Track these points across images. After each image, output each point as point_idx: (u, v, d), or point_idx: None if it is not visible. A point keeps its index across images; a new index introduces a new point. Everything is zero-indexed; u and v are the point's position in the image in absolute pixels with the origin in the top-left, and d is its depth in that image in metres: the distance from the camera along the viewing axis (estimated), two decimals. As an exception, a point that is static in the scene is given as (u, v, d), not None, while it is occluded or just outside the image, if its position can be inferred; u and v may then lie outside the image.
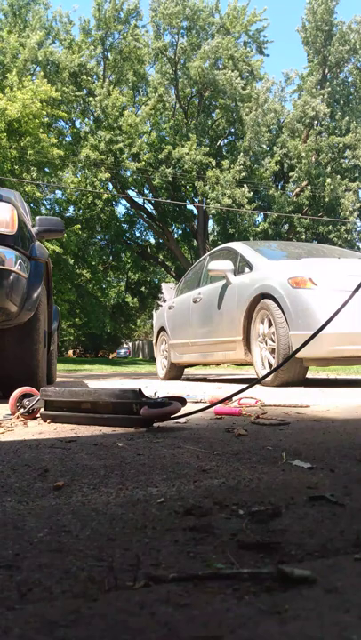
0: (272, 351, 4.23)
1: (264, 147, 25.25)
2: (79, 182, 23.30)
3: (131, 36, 24.02)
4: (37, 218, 4.16)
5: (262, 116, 23.31)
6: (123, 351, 43.80)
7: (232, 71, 22.95)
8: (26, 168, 20.03)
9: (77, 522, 0.78)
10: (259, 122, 23.05)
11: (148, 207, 27.20)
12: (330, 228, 25.06)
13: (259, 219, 26.07)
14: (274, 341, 4.14)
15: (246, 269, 4.87)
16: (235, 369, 11.23)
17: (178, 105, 25.39)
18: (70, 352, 41.44)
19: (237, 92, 22.87)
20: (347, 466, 1.13)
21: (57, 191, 23.36)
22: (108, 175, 22.81)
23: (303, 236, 26.13)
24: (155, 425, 1.77)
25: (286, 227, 26.30)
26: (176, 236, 27.91)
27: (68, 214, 24.10)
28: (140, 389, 1.75)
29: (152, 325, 13.66)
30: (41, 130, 19.53)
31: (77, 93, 23.64)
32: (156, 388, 4.14)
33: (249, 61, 24.61)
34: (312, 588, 0.54)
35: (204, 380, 6.51)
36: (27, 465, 1.19)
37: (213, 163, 22.95)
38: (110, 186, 25.24)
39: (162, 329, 7.03)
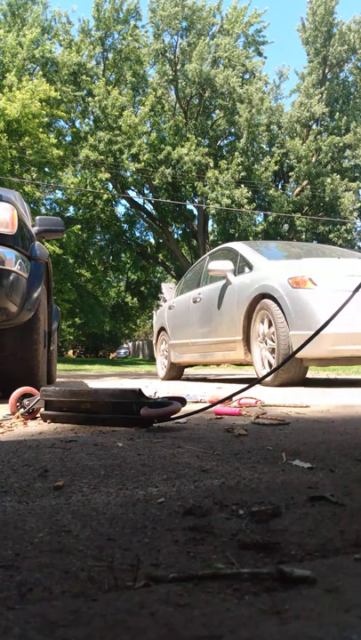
0: (272, 351, 4.23)
1: (263, 146, 25.23)
2: (79, 182, 23.29)
3: (130, 37, 24.02)
4: (37, 218, 4.15)
5: (257, 116, 23.30)
6: (123, 351, 43.83)
7: (230, 70, 22.94)
8: (26, 168, 20.02)
9: (77, 522, 0.78)
10: (258, 122, 23.04)
11: (148, 207, 27.21)
12: (330, 227, 25.06)
13: (259, 218, 26.06)
14: (274, 341, 4.14)
15: (246, 269, 4.87)
16: (235, 369, 11.23)
17: (178, 105, 25.39)
18: (70, 352, 41.45)
19: (235, 92, 22.87)
20: (347, 466, 1.13)
21: (57, 191, 23.39)
22: (107, 175, 22.80)
23: (303, 236, 26.12)
24: (155, 425, 1.77)
25: (286, 227, 26.29)
26: (176, 236, 27.89)
27: (68, 214, 24.11)
28: (140, 389, 1.75)
29: (152, 325, 13.65)
30: (40, 130, 19.53)
31: (77, 93, 23.63)
32: (156, 387, 4.13)
33: (249, 62, 24.59)
34: (312, 588, 0.54)
35: (204, 379, 6.50)
36: (27, 465, 1.19)
37: (212, 163, 22.93)
38: (110, 186, 25.24)
39: (162, 329, 7.03)
